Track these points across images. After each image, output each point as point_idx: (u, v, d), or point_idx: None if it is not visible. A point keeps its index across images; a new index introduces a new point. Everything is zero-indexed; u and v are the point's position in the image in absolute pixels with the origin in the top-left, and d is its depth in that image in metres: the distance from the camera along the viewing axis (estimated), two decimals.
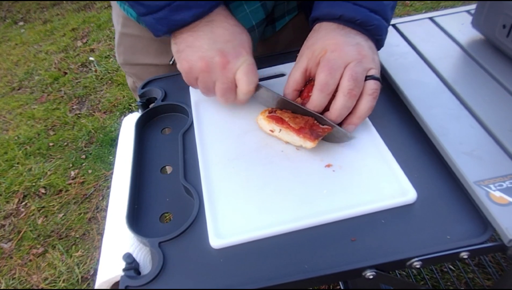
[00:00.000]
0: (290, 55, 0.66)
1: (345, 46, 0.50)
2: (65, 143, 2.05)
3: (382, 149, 0.50)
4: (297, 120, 0.53)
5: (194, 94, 0.63)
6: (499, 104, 0.53)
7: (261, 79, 0.64)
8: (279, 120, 0.53)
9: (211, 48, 0.52)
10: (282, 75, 0.64)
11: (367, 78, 0.50)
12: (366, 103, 0.50)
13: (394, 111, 0.56)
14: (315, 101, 0.51)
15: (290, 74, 0.55)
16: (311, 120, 0.53)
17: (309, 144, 0.50)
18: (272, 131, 0.54)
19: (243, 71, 0.53)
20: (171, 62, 0.69)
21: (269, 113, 0.55)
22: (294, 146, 0.53)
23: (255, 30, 0.67)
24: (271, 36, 0.75)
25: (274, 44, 0.77)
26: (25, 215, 1.72)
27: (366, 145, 0.51)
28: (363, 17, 0.51)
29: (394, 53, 0.65)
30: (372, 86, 0.50)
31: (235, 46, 0.53)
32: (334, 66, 0.49)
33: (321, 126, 0.52)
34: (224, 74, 0.53)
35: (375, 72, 0.51)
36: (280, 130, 0.53)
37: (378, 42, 0.54)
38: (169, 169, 0.54)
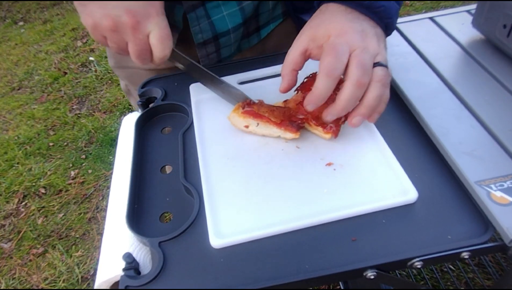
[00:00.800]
0: None
1: (349, 32, 0.47)
2: (65, 143, 2.05)
3: (383, 149, 0.50)
4: (276, 113, 0.52)
5: (194, 94, 0.63)
6: (500, 104, 0.53)
7: (261, 79, 0.64)
8: (257, 115, 0.52)
9: (117, 5, 0.48)
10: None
11: (374, 65, 0.47)
12: (375, 91, 0.46)
13: (395, 111, 0.56)
14: (321, 88, 0.46)
15: (289, 53, 0.51)
16: (288, 110, 0.52)
17: (289, 135, 0.51)
18: (247, 126, 0.53)
19: (156, 37, 0.50)
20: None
21: (243, 108, 0.54)
22: (294, 144, 0.53)
23: (230, 34, 0.66)
24: (256, 44, 0.74)
25: (260, 52, 0.76)
26: (25, 215, 1.72)
27: (367, 144, 0.51)
28: None
29: (395, 53, 0.65)
30: (380, 72, 0.46)
31: (145, 4, 0.49)
32: (340, 51, 0.45)
33: (297, 116, 0.52)
34: (135, 36, 0.50)
35: (381, 58, 0.47)
36: (258, 124, 0.52)
37: (388, 26, 0.50)
38: (169, 169, 0.54)
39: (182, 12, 0.64)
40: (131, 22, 0.48)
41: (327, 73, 0.45)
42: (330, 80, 0.45)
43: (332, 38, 0.47)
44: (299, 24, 0.68)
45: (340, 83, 0.47)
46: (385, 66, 0.47)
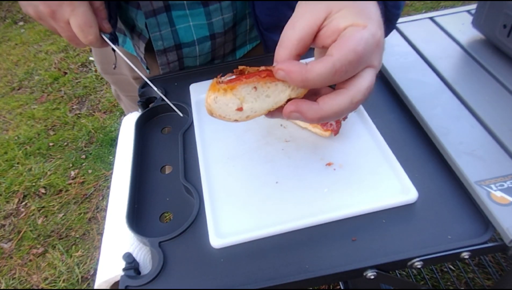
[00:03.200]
0: None
1: (373, 22, 0.35)
2: (65, 143, 2.05)
3: (383, 148, 0.50)
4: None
5: (194, 94, 0.63)
6: (500, 104, 0.53)
7: None
8: (248, 76, 0.35)
9: None
10: None
11: None
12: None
13: (395, 111, 0.56)
14: (338, 110, 0.33)
15: (293, 27, 0.35)
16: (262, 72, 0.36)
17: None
18: (240, 109, 0.36)
19: (75, 25, 0.49)
20: (114, 67, 0.68)
21: (222, 80, 0.36)
22: (294, 143, 0.53)
23: (195, 45, 0.65)
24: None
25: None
26: (25, 215, 1.72)
27: (367, 144, 0.51)
28: None
29: (395, 53, 0.65)
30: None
31: None
32: (364, 56, 0.33)
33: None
34: (57, 24, 0.50)
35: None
36: (255, 88, 0.35)
37: (392, 18, 0.41)
38: (169, 169, 0.54)
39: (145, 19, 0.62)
40: (46, 11, 0.49)
41: (338, 69, 0.32)
42: (332, 79, 0.33)
43: (356, 30, 0.33)
44: (269, 45, 0.67)
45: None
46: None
